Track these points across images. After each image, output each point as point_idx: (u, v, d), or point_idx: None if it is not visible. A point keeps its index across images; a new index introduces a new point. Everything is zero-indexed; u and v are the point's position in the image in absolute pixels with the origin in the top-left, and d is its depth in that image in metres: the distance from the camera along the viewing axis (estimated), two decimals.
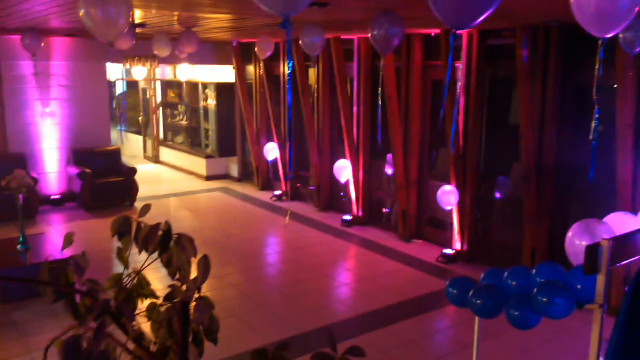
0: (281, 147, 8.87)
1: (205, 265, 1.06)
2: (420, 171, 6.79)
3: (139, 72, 9.05)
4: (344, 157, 7.54)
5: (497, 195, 6.19)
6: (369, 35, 4.18)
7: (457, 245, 6.18)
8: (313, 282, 5.54)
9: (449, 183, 6.02)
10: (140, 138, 13.13)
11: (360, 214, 7.54)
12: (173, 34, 6.57)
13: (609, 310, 2.81)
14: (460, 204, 6.04)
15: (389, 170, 7.19)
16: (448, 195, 5.91)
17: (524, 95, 5.26)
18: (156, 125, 12.38)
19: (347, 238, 6.99)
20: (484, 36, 5.74)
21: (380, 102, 5.56)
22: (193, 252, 1.11)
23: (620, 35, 3.54)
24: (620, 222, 3.54)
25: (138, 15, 5.07)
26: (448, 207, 6.01)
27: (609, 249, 2.47)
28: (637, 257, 2.77)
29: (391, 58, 6.48)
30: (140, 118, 13.04)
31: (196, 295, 1.08)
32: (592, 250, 2.44)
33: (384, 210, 7.42)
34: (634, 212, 4.00)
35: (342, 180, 7.45)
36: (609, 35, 2.20)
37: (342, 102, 7.37)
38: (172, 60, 8.64)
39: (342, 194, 7.76)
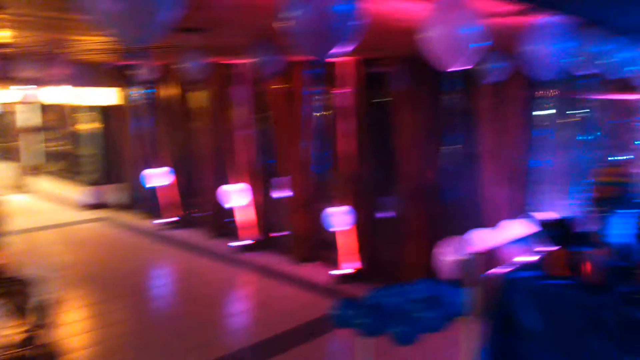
0: (171, 173, 8.60)
1: (42, 310, 0.97)
2: (313, 193, 6.87)
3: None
4: (235, 181, 7.46)
5: (388, 214, 6.41)
6: (251, 61, 4.21)
7: (350, 265, 6.31)
8: (204, 314, 5.36)
9: (341, 204, 6.16)
10: (11, 166, 12.10)
11: (253, 239, 7.47)
12: (42, 55, 6.17)
13: (479, 320, 2.98)
14: (355, 224, 6.18)
15: (279, 194, 7.21)
16: (334, 217, 6.03)
17: (399, 120, 5.56)
18: (28, 152, 11.48)
19: (240, 265, 6.87)
20: (367, 64, 6.01)
21: (267, 125, 5.61)
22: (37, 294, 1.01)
23: (475, 67, 3.86)
24: (484, 237, 3.80)
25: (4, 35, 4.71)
26: (335, 229, 6.13)
27: (474, 262, 2.63)
28: (501, 269, 2.97)
29: (278, 82, 6.56)
30: None
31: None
32: (459, 265, 2.59)
33: (278, 234, 7.41)
34: (495, 227, 4.31)
35: (231, 204, 7.35)
36: (456, 69, 2.39)
37: (231, 125, 7.32)
38: (45, 82, 8.09)
39: (229, 219, 7.65)
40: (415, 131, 5.59)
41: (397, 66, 5.48)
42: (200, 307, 5.50)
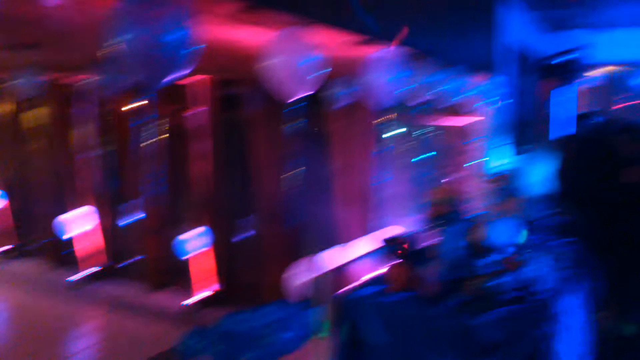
0: (3, 197, 7.72)
1: None
2: (165, 216, 6.59)
3: None
4: (77, 206, 6.90)
5: (246, 235, 6.35)
6: (94, 79, 3.97)
7: (207, 290, 6.13)
8: (40, 357, 4.84)
9: (196, 227, 5.98)
10: None
11: (100, 267, 6.94)
12: None
13: (329, 338, 3.06)
14: (211, 246, 6.03)
15: (127, 219, 6.81)
16: (188, 241, 5.85)
17: (254, 141, 5.60)
18: None
19: (85, 297, 6.34)
20: (222, 84, 5.95)
21: (113, 147, 5.30)
22: None
23: (323, 92, 4.03)
24: (333, 257, 3.94)
25: None
26: (189, 253, 5.94)
27: (323, 282, 2.70)
28: (348, 286, 3.09)
29: (122, 102, 6.25)
30: None
31: None
32: (309, 285, 2.64)
33: (128, 261, 6.98)
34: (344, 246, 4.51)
35: (73, 231, 6.78)
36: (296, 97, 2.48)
37: (72, 147, 6.80)
38: None
39: (70, 248, 7.06)
40: (270, 152, 5.66)
41: (251, 87, 5.52)
42: (36, 349, 4.97)
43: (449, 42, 5.13)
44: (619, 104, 9.71)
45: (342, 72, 3.80)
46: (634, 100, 9.81)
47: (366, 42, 3.48)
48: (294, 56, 2.18)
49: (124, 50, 1.56)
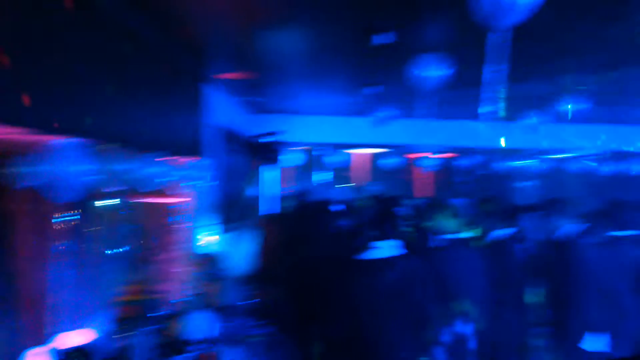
0: None
1: None
2: None
3: None
4: None
5: None
6: None
7: None
8: None
9: None
10: None
11: None
12: None
13: None
14: None
15: None
16: None
17: None
18: None
19: None
20: None
21: None
22: None
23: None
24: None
25: None
26: None
27: None
28: None
29: None
30: None
31: None
32: None
33: None
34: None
35: None
36: None
37: None
38: None
39: None
40: None
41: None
42: None
43: (150, 126, 5.04)
44: (319, 182, 10.97)
45: (17, 153, 3.32)
46: (329, 178, 11.20)
47: (38, 133, 3.12)
48: None
49: None
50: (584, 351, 4.60)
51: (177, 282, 5.05)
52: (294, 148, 9.86)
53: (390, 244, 3.94)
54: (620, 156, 9.46)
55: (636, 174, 9.14)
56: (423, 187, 12.12)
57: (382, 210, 5.47)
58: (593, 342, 4.59)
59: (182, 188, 5.84)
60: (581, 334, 4.60)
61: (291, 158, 9.68)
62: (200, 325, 3.83)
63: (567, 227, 4.99)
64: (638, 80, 5.65)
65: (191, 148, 6.15)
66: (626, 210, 5.12)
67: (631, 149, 9.32)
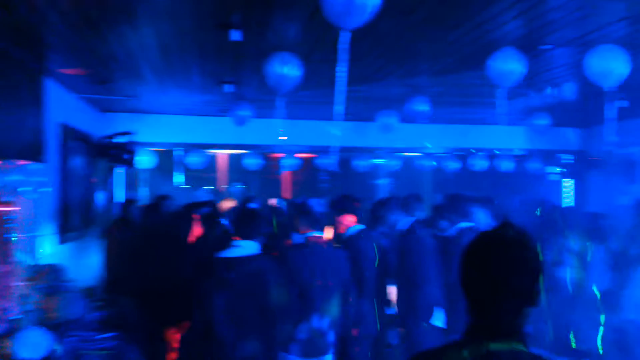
0: None
1: None
2: None
3: None
4: None
5: None
6: None
7: None
8: None
9: None
10: None
11: None
12: None
13: None
14: None
15: None
16: None
17: None
18: None
19: None
20: None
21: None
22: None
23: None
24: None
25: None
26: None
27: None
28: None
29: None
30: None
31: None
32: None
33: None
34: None
35: None
36: None
37: None
38: None
39: None
40: None
41: None
42: None
43: None
44: (178, 184, 10.54)
45: None
46: (188, 180, 10.82)
47: None
48: None
49: None
50: (430, 328, 4.96)
51: (12, 297, 4.52)
52: (151, 149, 9.37)
53: (250, 243, 3.93)
54: (464, 154, 10.29)
55: (478, 170, 10.00)
56: (285, 187, 12.23)
57: (242, 210, 5.37)
58: (435, 319, 5.00)
59: (18, 194, 5.24)
60: (427, 312, 4.95)
61: (147, 160, 9.18)
62: (36, 343, 3.42)
63: (408, 220, 5.35)
64: (479, 82, 6.12)
65: (29, 150, 5.54)
66: (464, 204, 5.58)
67: (474, 147, 10.18)
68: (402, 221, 5.42)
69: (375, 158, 10.92)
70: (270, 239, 5.14)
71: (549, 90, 6.94)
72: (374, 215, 5.87)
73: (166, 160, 10.31)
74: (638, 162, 8.86)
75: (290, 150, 9.89)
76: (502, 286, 1.60)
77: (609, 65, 4.64)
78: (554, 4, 4.03)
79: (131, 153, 8.18)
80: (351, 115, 8.88)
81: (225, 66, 6.08)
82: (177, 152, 10.17)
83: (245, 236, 3.95)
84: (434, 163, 10.50)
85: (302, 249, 4.38)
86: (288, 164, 10.20)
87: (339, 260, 4.51)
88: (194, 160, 9.89)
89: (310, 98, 7.46)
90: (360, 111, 8.49)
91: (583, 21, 4.39)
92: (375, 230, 5.59)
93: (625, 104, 7.06)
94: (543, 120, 8.01)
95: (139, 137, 8.44)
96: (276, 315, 3.77)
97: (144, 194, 10.00)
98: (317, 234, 4.46)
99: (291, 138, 8.75)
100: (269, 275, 3.81)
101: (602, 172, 9.54)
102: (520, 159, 10.09)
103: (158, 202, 7.11)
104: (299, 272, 4.16)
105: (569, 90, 6.93)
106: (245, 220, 4.07)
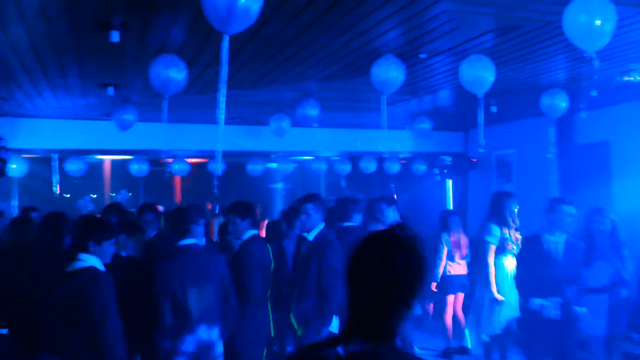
0: None
1: None
2: None
3: None
4: None
5: None
6: None
7: None
8: None
9: None
10: None
11: None
12: None
13: None
14: None
15: None
16: None
17: None
18: None
19: None
20: None
21: None
22: None
23: None
24: None
25: None
26: None
27: None
28: None
29: None
30: None
31: None
32: None
33: None
34: None
35: None
36: None
37: None
38: None
39: None
40: None
41: None
42: None
43: None
44: (60, 193, 9.84)
45: None
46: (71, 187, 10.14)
47: None
48: None
49: None
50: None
51: None
52: (24, 156, 8.65)
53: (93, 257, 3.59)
54: (355, 157, 10.55)
55: (369, 173, 10.30)
56: (174, 193, 11.86)
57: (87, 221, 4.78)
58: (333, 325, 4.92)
59: None
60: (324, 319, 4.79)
61: (20, 168, 8.46)
62: None
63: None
64: (365, 89, 6.29)
65: None
66: (351, 206, 5.74)
67: (363, 150, 10.47)
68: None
69: (270, 162, 10.90)
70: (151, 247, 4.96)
71: (428, 97, 7.34)
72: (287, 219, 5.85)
73: (44, 168, 9.57)
74: (512, 162, 9.60)
75: (179, 155, 9.58)
76: (375, 286, 1.62)
77: (478, 73, 5.01)
78: (429, 15, 4.26)
79: (3, 161, 7.51)
80: (245, 119, 8.79)
81: (106, 68, 5.78)
82: (58, 159, 9.47)
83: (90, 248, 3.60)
84: (324, 167, 10.66)
85: (171, 258, 4.17)
86: (178, 169, 9.87)
87: (216, 266, 4.35)
88: (73, 167, 9.24)
89: (198, 101, 7.29)
90: (254, 115, 8.43)
91: (455, 32, 4.68)
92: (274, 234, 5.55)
93: (494, 109, 7.61)
94: (425, 125, 8.45)
95: (11, 144, 7.76)
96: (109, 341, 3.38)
97: (17, 205, 9.22)
98: (192, 241, 4.27)
99: (178, 142, 8.49)
100: (93, 295, 3.41)
101: (479, 172, 10.24)
102: (407, 161, 10.55)
103: (26, 215, 6.56)
104: (168, 282, 3.98)
105: (445, 97, 7.37)
106: (88, 232, 3.65)
